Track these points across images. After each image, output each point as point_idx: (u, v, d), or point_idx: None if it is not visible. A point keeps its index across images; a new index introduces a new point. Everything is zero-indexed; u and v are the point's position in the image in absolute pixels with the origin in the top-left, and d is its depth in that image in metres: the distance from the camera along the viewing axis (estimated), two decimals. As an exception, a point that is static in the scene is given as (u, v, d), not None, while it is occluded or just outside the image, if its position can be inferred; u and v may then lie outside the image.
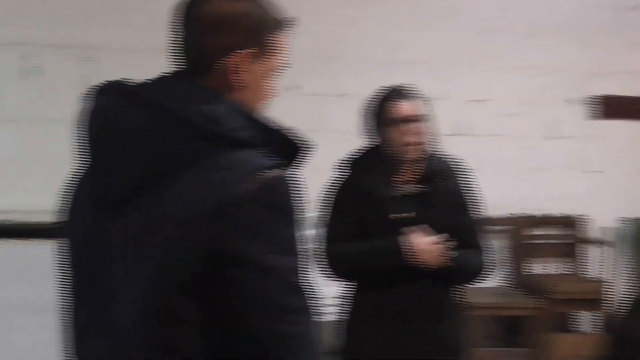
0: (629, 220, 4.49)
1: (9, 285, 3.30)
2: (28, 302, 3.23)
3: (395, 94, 2.27)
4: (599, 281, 4.28)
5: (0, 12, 3.90)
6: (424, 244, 2.17)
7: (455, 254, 2.20)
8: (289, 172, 1.17)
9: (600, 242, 4.48)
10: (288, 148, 1.19)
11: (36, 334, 2.95)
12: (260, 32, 1.23)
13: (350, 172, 2.32)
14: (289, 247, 1.14)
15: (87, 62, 3.91)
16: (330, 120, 4.12)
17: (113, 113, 1.17)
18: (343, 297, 2.34)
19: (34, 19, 3.94)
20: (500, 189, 3.81)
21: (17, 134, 3.91)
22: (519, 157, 4.42)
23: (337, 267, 2.27)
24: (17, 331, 3.31)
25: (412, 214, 2.23)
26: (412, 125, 2.22)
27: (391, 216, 2.22)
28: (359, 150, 2.36)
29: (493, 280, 3.62)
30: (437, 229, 2.20)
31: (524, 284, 4.32)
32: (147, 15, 3.77)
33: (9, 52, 3.93)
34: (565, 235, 4.49)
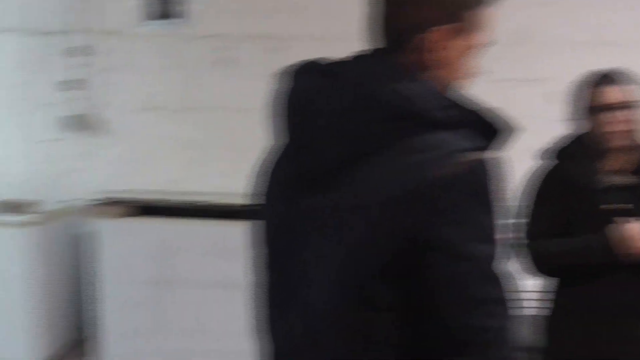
0: None
1: (204, 262, 3.49)
2: (221, 278, 3.40)
3: (603, 79, 2.12)
4: None
5: (196, 8, 4.11)
6: None
7: None
8: (490, 155, 1.09)
9: None
10: (488, 130, 1.12)
11: (229, 309, 3.10)
12: (460, 8, 1.16)
13: (555, 161, 2.20)
14: (487, 235, 1.08)
15: (276, 52, 4.02)
16: (522, 106, 3.92)
17: (308, 94, 1.16)
18: (544, 291, 2.22)
19: (226, 12, 4.12)
20: None
21: (213, 121, 4.12)
22: None
23: (541, 265, 2.15)
24: (211, 306, 3.49)
25: (629, 205, 2.07)
26: (619, 113, 2.07)
27: (602, 207, 2.07)
28: (564, 139, 2.22)
29: None
30: None
31: None
32: (333, 5, 3.81)
33: (205, 45, 4.14)
34: None
